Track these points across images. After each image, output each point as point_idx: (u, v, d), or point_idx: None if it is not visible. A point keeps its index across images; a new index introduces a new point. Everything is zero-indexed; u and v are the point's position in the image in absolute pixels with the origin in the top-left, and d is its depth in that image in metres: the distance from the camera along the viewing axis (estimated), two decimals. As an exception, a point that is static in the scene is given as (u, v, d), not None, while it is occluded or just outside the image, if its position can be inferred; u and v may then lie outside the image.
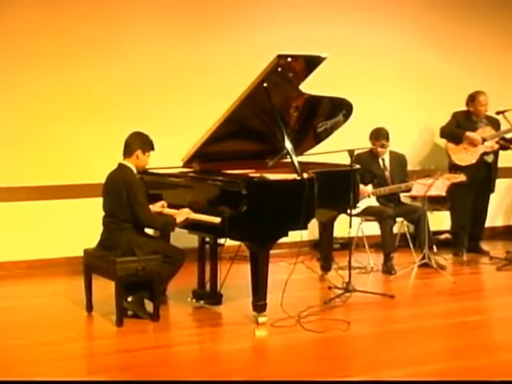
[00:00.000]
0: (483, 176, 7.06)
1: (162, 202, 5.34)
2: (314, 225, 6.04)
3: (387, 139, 6.68)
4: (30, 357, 4.40)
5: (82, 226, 6.51)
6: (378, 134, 6.68)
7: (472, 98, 7.03)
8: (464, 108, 7.11)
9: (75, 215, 6.69)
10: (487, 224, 7.50)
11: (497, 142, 6.97)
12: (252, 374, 4.20)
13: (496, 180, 7.23)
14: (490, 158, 7.06)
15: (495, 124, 7.06)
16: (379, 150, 6.68)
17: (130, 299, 5.06)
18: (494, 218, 8.09)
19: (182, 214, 5.09)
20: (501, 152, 7.11)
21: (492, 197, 7.36)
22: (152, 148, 5.16)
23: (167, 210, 5.27)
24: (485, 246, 7.37)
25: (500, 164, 7.22)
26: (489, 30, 8.04)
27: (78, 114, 6.67)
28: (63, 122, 6.64)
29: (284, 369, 4.24)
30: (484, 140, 6.95)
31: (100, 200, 5.20)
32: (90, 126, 6.69)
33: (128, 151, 5.10)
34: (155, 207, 5.28)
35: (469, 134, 6.96)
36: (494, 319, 5.44)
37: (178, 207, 5.18)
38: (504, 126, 6.93)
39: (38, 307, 5.49)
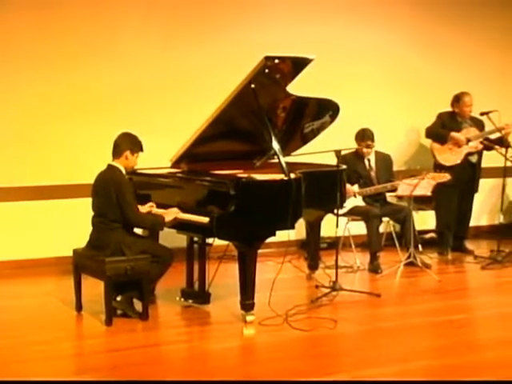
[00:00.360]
0: (468, 176, 7.12)
1: (151, 203, 5.37)
2: (301, 224, 6.08)
3: (372, 140, 6.74)
4: (19, 356, 4.42)
5: (71, 226, 6.53)
6: (364, 134, 6.73)
7: (457, 99, 7.10)
8: (449, 109, 7.17)
9: (64, 215, 6.70)
10: (472, 223, 7.58)
11: (481, 143, 7.04)
12: (240, 372, 4.23)
13: (480, 180, 7.31)
14: (474, 159, 7.12)
15: (479, 125, 7.12)
16: (365, 150, 6.73)
17: (119, 299, 5.08)
18: (479, 217, 8.16)
19: (171, 214, 5.13)
20: (485, 152, 7.19)
21: (476, 196, 7.43)
22: (141, 149, 5.18)
23: (155, 210, 5.29)
24: (469, 245, 7.43)
25: (484, 164, 7.29)
26: (474, 32, 8.10)
27: (73, 114, 6.69)
28: (57, 123, 6.66)
29: (272, 367, 4.28)
30: (468, 140, 7.01)
31: (89, 200, 5.23)
32: (83, 126, 6.69)
33: (117, 152, 5.12)
34: (144, 208, 5.30)
35: (454, 134, 7.03)
36: (479, 317, 5.50)
37: (166, 207, 5.21)
38: (488, 126, 7.01)
39: (27, 307, 5.50)
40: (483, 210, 8.31)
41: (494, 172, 7.41)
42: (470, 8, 8.09)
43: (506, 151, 6.76)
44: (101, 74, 6.75)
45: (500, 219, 7.08)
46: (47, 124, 6.65)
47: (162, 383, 4.08)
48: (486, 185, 7.85)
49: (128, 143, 5.13)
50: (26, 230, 6.67)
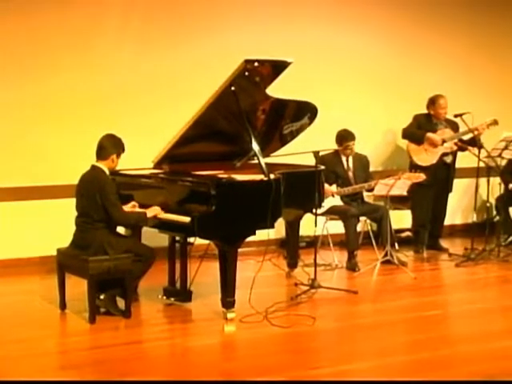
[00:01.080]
0: (443, 176, 7.23)
1: (133, 203, 5.43)
2: (280, 224, 6.13)
3: (354, 140, 6.84)
4: (4, 353, 4.47)
5: (55, 226, 6.56)
6: (347, 135, 6.80)
7: (432, 102, 7.21)
8: (425, 111, 7.29)
9: (48, 216, 6.73)
10: (446, 222, 7.71)
11: (455, 144, 7.15)
12: (221, 368, 4.32)
13: (454, 180, 7.41)
14: (448, 159, 7.23)
15: (454, 126, 7.22)
16: (348, 150, 6.82)
17: (102, 297, 5.14)
18: (453, 216, 8.27)
19: (152, 211, 5.20)
20: (459, 153, 7.28)
21: (451, 196, 7.53)
22: (124, 150, 5.26)
23: (137, 210, 5.35)
24: (444, 243, 7.54)
25: (458, 165, 7.40)
26: (450, 34, 8.21)
27: (56, 116, 6.74)
28: (40, 125, 6.71)
29: (252, 363, 4.36)
30: (444, 141, 7.13)
31: (72, 201, 5.28)
32: (66, 128, 6.75)
33: (103, 154, 5.17)
34: (127, 207, 5.35)
35: (429, 134, 7.12)
36: (453, 313, 5.62)
37: (148, 208, 5.25)
38: (462, 128, 7.12)
39: (11, 305, 5.54)
40: (457, 209, 8.43)
41: (467, 172, 7.53)
42: (448, 11, 8.17)
43: (479, 152, 6.86)
44: (82, 76, 6.79)
45: (473, 218, 7.20)
46: (30, 125, 6.69)
47: (144, 383, 4.14)
48: (460, 185, 7.97)
49: (115, 146, 5.19)
50: (11, 229, 6.69)
